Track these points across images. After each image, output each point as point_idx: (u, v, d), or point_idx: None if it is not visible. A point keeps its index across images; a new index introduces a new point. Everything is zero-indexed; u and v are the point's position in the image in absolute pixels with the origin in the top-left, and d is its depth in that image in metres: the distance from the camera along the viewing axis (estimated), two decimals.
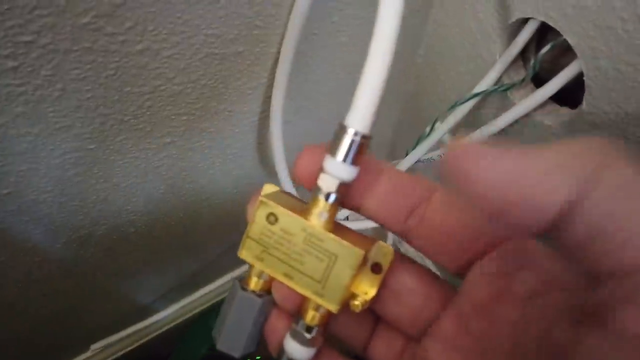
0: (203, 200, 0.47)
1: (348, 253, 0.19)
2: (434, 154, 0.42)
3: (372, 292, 0.20)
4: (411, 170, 0.43)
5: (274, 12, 0.32)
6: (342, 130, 0.19)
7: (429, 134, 0.40)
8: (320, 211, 0.20)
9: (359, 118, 0.19)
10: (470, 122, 0.39)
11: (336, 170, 0.19)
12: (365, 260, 0.20)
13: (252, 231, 0.20)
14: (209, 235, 0.54)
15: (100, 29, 0.27)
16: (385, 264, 0.20)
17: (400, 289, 0.21)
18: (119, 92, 0.31)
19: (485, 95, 0.37)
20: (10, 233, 0.37)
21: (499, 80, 0.37)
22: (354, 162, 0.19)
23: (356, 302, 0.20)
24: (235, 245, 0.21)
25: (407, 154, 0.42)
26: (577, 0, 0.29)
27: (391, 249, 0.20)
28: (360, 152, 0.19)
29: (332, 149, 0.19)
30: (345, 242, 0.19)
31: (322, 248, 0.19)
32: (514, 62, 0.36)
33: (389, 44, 0.19)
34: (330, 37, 0.38)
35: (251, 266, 0.21)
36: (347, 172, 0.19)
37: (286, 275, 0.20)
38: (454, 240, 0.19)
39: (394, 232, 0.20)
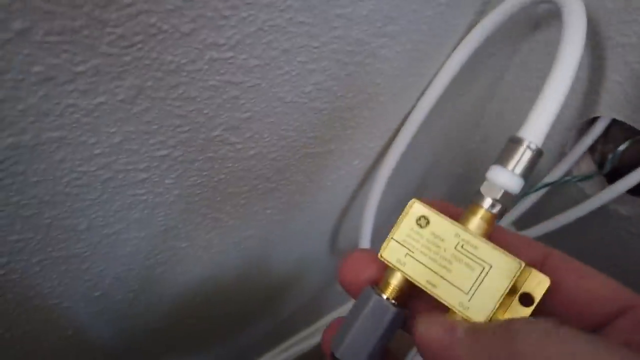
0: (271, 289, 0.47)
1: (505, 263, 0.17)
2: None
3: None
4: None
5: (367, 114, 0.34)
6: (514, 142, 0.19)
7: (498, 220, 0.41)
8: (478, 219, 0.19)
9: (535, 130, 0.19)
10: (538, 211, 0.41)
11: (503, 178, 0.18)
12: (514, 288, 0.18)
13: (398, 232, 0.19)
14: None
15: (224, 140, 0.27)
16: (538, 295, 0.18)
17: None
18: (222, 194, 0.32)
19: (555, 185, 0.39)
20: (85, 333, 0.36)
21: (568, 171, 0.38)
22: (523, 176, 0.19)
23: None
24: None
25: None
26: None
27: (547, 279, 0.18)
28: (530, 166, 0.19)
29: (501, 159, 0.19)
30: (502, 251, 0.18)
31: (475, 256, 0.18)
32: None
33: (571, 68, 0.20)
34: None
35: (390, 272, 0.19)
36: (515, 183, 0.19)
37: (430, 282, 0.18)
38: (592, 303, 0.18)
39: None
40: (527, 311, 0.18)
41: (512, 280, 0.17)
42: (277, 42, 0.24)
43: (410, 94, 0.35)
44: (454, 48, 0.33)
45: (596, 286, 0.18)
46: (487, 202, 0.19)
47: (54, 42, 0.18)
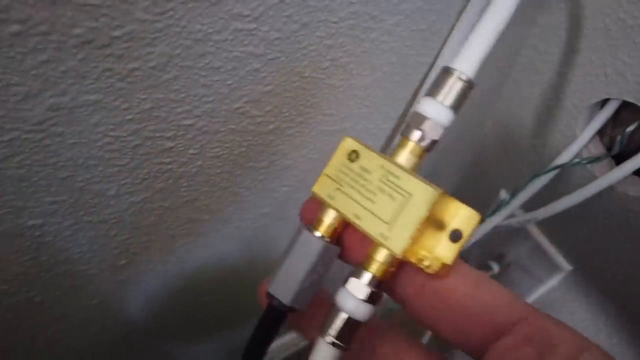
0: None
1: (423, 191, 0.17)
2: (513, 221, 0.44)
3: (448, 258, 0.17)
4: (488, 235, 0.44)
5: (381, 94, 0.35)
6: (446, 72, 0.18)
7: (508, 202, 0.42)
8: (407, 153, 0.18)
9: (467, 61, 0.18)
10: (547, 193, 0.41)
11: (432, 109, 0.18)
12: (443, 223, 0.18)
13: (329, 167, 0.19)
14: None
15: (246, 112, 0.29)
16: (467, 231, 0.17)
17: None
18: (241, 168, 0.33)
19: (565, 167, 0.40)
20: (110, 302, 0.38)
21: (578, 154, 0.39)
22: (453, 108, 0.18)
23: (426, 263, 0.17)
24: None
25: (483, 220, 0.44)
26: None
27: (477, 214, 0.17)
28: (461, 98, 0.18)
29: (431, 91, 0.18)
30: (422, 179, 0.17)
31: (397, 186, 0.18)
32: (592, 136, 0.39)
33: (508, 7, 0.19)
34: None
35: (323, 208, 0.19)
36: (444, 114, 0.18)
37: (355, 215, 0.18)
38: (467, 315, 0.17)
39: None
40: (455, 247, 0.17)
41: (429, 207, 0.17)
42: (298, 16, 0.25)
43: (422, 74, 0.36)
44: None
45: (491, 295, 0.17)
46: (416, 134, 0.18)
47: (95, 6, 0.19)
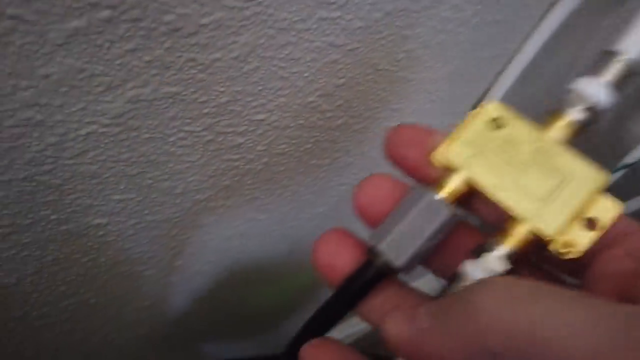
0: None
1: (589, 176, 0.16)
2: None
3: (582, 245, 0.16)
4: None
5: (446, 87, 0.34)
6: (608, 54, 0.17)
7: None
8: (561, 130, 0.17)
9: (633, 42, 0.17)
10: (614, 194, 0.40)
11: (592, 88, 0.17)
12: (581, 211, 0.16)
13: (464, 132, 0.17)
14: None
15: (317, 107, 0.27)
16: (605, 221, 0.16)
17: None
18: (305, 165, 0.32)
19: (633, 168, 0.38)
20: (160, 305, 0.36)
21: None
22: (615, 88, 0.17)
23: (561, 248, 0.16)
24: None
25: None
26: None
27: (618, 206, 0.16)
28: (623, 80, 0.17)
29: (593, 71, 0.17)
30: (586, 162, 0.16)
31: (553, 166, 0.16)
32: None
33: None
34: None
35: (447, 174, 0.17)
36: (604, 93, 0.17)
37: (496, 186, 0.16)
38: None
39: None
40: (591, 236, 0.16)
41: (591, 193, 0.16)
42: (382, 4, 0.24)
43: (492, 67, 0.34)
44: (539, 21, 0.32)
45: None
46: (573, 112, 0.17)
47: None
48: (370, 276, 0.17)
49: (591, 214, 0.16)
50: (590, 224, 0.16)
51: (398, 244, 0.17)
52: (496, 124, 0.17)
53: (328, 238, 0.19)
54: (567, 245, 0.16)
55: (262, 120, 0.26)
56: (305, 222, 0.38)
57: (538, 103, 0.44)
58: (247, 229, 0.34)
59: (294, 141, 0.29)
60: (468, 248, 0.17)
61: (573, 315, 0.12)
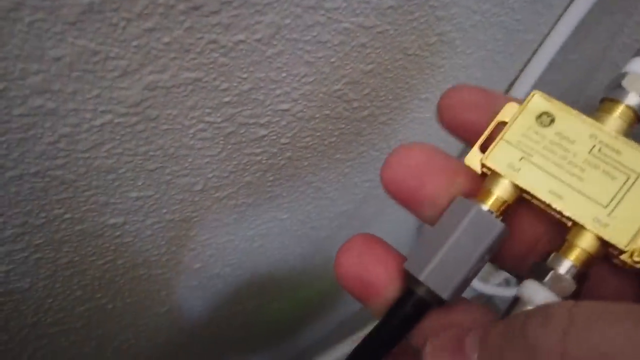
0: None
1: None
2: None
3: None
4: None
5: (479, 75, 0.32)
6: None
7: None
8: (617, 119, 0.15)
9: None
10: None
11: None
12: None
13: (511, 131, 0.15)
14: None
15: (343, 96, 0.26)
16: None
17: None
18: (329, 159, 0.30)
19: None
20: (179, 311, 0.35)
21: None
22: None
23: (637, 258, 0.14)
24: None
25: None
26: None
27: None
28: None
29: None
30: None
31: (618, 162, 0.14)
32: None
33: None
34: None
35: (493, 180, 0.15)
36: None
37: (553, 193, 0.14)
38: None
39: None
40: None
41: None
42: None
43: (524, 54, 0.32)
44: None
45: None
46: (631, 97, 0.15)
47: None
48: (411, 311, 0.15)
49: None
50: None
51: (443, 272, 0.14)
52: (544, 120, 0.15)
53: (351, 246, 0.16)
54: (639, 253, 0.14)
55: (287, 110, 0.24)
56: (328, 222, 0.36)
57: (567, 92, 0.42)
58: (268, 229, 0.32)
59: (318, 133, 0.27)
60: (533, 235, 0.15)
61: None
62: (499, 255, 0.16)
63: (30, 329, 0.27)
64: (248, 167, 0.26)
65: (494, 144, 0.15)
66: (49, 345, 0.29)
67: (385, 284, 0.15)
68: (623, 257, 0.14)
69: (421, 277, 0.14)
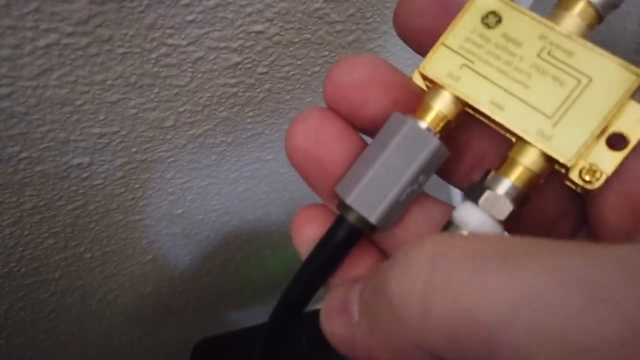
0: None
1: (612, 74, 0.12)
2: None
3: (607, 168, 0.12)
4: None
5: None
6: None
7: None
8: (574, 17, 0.13)
9: None
10: None
11: None
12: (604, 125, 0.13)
13: (452, 34, 0.13)
14: None
15: (324, 16, 0.23)
16: (636, 135, 0.12)
17: None
18: (313, 94, 0.28)
19: None
20: (164, 259, 0.34)
21: None
22: None
23: (586, 176, 0.12)
24: None
25: None
26: None
27: None
28: None
29: None
30: (610, 57, 0.12)
31: (568, 66, 0.12)
32: None
33: None
34: None
35: (432, 93, 0.13)
36: None
37: (495, 104, 0.13)
38: None
39: None
40: (618, 157, 0.12)
41: (619, 99, 0.12)
42: None
43: None
44: None
45: None
46: None
47: None
48: (342, 238, 0.13)
49: (617, 127, 0.12)
50: (615, 140, 0.12)
51: (368, 194, 0.13)
52: (490, 20, 0.13)
53: (307, 117, 0.14)
54: (588, 172, 0.12)
55: (261, 32, 0.22)
56: None
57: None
58: (253, 171, 0.30)
59: (299, 62, 0.25)
60: (479, 151, 0.13)
61: (531, 283, 0.08)
62: (448, 170, 0.14)
63: (4, 280, 0.26)
64: (223, 100, 0.24)
65: (432, 50, 0.13)
66: (27, 297, 0.28)
67: (338, 165, 0.13)
68: (572, 175, 0.12)
69: (348, 200, 0.13)
